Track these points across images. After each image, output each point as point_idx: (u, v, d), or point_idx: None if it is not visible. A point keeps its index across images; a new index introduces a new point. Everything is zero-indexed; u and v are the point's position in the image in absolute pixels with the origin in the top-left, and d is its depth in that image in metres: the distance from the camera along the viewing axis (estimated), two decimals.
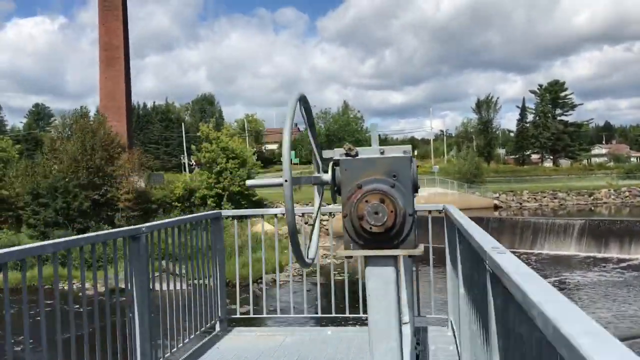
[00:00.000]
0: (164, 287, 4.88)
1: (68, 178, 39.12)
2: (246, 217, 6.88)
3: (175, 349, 4.92)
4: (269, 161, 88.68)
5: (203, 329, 5.50)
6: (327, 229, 47.69)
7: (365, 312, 6.14)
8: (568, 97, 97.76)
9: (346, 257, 2.69)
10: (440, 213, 5.72)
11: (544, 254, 33.32)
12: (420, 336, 5.31)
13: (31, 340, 3.06)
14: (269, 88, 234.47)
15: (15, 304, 3.77)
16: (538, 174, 74.20)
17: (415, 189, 2.58)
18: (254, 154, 49.64)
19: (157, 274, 4.64)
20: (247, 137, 73.38)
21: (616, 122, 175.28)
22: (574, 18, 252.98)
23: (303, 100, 2.69)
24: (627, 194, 51.76)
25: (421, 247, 2.63)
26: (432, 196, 47.99)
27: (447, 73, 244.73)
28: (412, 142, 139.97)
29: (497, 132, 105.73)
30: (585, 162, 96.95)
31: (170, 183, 47.71)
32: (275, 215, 6.64)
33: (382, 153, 2.57)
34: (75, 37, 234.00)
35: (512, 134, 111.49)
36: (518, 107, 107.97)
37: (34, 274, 3.51)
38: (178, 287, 4.98)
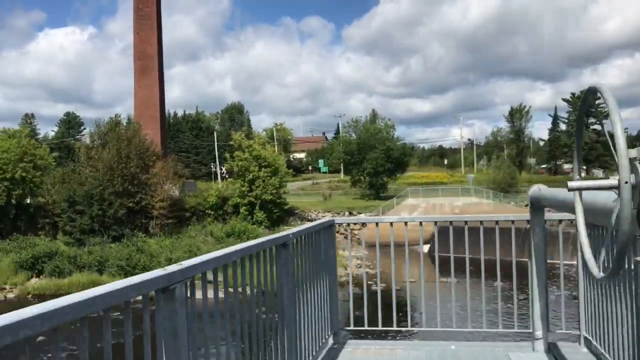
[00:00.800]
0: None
1: (103, 186, 39.39)
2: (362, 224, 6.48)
3: None
4: (297, 170, 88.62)
5: (320, 342, 5.10)
6: (358, 239, 47.33)
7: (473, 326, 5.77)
8: (601, 105, 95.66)
9: None
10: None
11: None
12: (555, 352, 4.91)
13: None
14: (294, 97, 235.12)
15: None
16: None
17: None
18: (286, 162, 49.48)
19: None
20: (275, 146, 73.23)
21: None
22: (603, 25, 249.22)
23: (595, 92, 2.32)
24: None
25: None
26: (467, 206, 47.24)
27: (473, 81, 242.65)
28: (440, 151, 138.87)
29: (529, 142, 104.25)
30: None
31: (204, 191, 47.81)
32: (391, 223, 6.15)
33: None
34: (104, 47, 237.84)
35: (541, 143, 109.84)
36: (550, 115, 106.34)
37: None
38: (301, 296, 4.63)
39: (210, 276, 2.94)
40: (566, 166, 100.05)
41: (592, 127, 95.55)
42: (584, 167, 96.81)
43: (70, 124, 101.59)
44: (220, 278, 3.05)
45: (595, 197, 2.39)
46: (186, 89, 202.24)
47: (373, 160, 54.17)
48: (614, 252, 1.92)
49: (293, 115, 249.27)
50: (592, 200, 2.42)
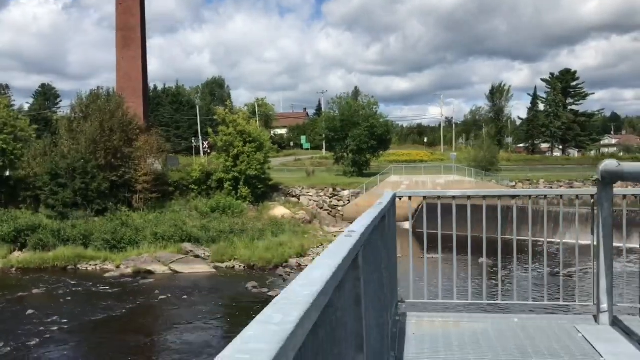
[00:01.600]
0: None
1: (86, 159, 38.89)
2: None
3: None
4: (279, 146, 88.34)
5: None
6: (342, 215, 47.67)
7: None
8: (579, 86, 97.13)
9: None
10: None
11: (569, 243, 33.13)
12: (620, 325, 5.09)
13: None
14: (273, 72, 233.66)
15: None
16: (550, 163, 73.93)
17: None
18: (270, 138, 49.31)
19: None
20: (257, 121, 72.80)
21: (621, 113, 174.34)
22: (581, 7, 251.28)
23: None
24: None
25: None
26: (449, 184, 47.78)
27: (452, 60, 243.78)
28: (419, 129, 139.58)
29: (507, 121, 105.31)
30: (593, 152, 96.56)
31: (187, 166, 47.52)
32: (454, 197, 6.15)
33: None
34: (79, 18, 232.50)
35: (518, 123, 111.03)
36: (530, 94, 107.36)
37: None
38: None
39: None
40: (543, 145, 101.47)
41: (569, 107, 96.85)
42: (560, 147, 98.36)
43: (46, 95, 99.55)
44: None
45: None
46: (163, 62, 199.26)
47: (357, 137, 54.27)
48: None
49: (272, 91, 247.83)
50: None
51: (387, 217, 5.17)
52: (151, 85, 77.90)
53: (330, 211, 47.61)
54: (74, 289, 26.10)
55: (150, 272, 28.80)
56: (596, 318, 5.22)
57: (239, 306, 23.09)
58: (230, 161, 43.96)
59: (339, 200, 48.25)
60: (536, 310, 7.00)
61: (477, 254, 6.26)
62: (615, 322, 5.12)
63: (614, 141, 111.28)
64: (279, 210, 41.51)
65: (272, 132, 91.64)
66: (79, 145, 39.94)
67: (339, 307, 1.73)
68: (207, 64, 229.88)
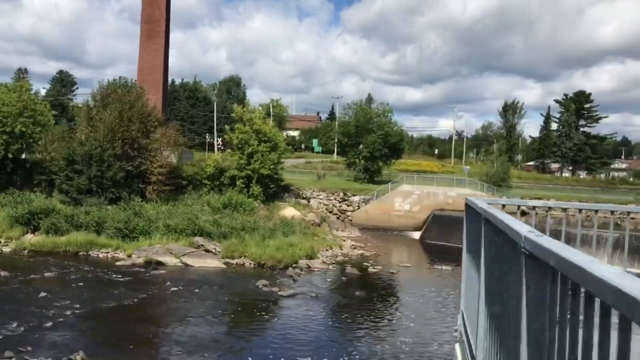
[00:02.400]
0: None
1: (103, 147, 39.23)
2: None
3: None
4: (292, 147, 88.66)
5: None
6: (350, 220, 47.83)
7: None
8: (593, 108, 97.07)
9: None
10: None
11: None
12: None
13: None
14: (288, 74, 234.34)
15: None
16: (560, 183, 73.85)
17: None
18: (284, 139, 49.57)
19: None
20: (271, 122, 73.20)
21: (632, 138, 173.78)
22: (598, 29, 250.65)
23: None
24: None
25: None
26: (460, 197, 47.80)
27: (466, 74, 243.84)
28: (429, 140, 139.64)
29: (519, 138, 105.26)
30: (603, 175, 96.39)
31: (201, 161, 47.81)
32: (534, 207, 6.01)
33: None
34: (100, 7, 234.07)
35: (529, 141, 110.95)
36: (542, 114, 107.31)
37: None
38: None
39: None
40: (553, 165, 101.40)
41: (581, 129, 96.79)
42: (570, 168, 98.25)
43: (63, 82, 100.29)
44: None
45: None
46: (181, 57, 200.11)
47: (370, 144, 54.47)
48: None
49: (285, 93, 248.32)
50: None
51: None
52: (169, 79, 78.44)
53: (339, 215, 47.82)
54: (86, 275, 26.37)
55: (161, 263, 29.06)
56: None
57: (249, 304, 23.28)
58: (244, 159, 44.26)
59: (348, 205, 48.45)
60: None
61: None
62: None
63: (624, 165, 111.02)
64: (289, 211, 41.73)
65: (284, 134, 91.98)
66: (97, 133, 40.29)
67: None
68: (224, 61, 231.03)
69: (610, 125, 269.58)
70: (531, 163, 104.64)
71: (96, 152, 38.75)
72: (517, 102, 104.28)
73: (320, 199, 48.31)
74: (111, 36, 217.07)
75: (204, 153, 66.80)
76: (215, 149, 64.83)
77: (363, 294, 25.50)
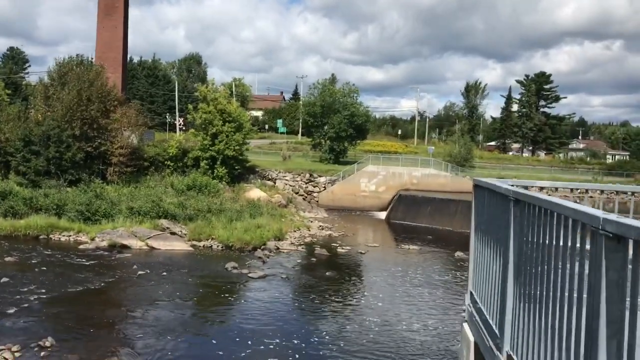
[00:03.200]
0: None
1: (62, 127, 37.90)
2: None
3: None
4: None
5: None
6: (317, 201, 47.67)
7: None
8: (552, 89, 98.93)
9: None
10: None
11: None
12: None
13: None
14: (248, 53, 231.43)
15: None
16: (521, 163, 75.23)
17: None
18: (249, 120, 48.87)
19: None
20: (234, 101, 72.20)
21: (588, 119, 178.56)
22: (558, 11, 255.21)
23: None
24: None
25: None
26: (424, 177, 48.23)
27: (427, 55, 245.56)
28: (392, 121, 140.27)
29: (480, 119, 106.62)
30: (562, 155, 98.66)
31: (163, 141, 46.75)
32: (541, 188, 5.98)
33: None
34: None
35: (489, 122, 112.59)
36: (503, 96, 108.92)
37: None
38: None
39: None
40: (514, 145, 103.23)
41: (541, 109, 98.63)
42: (530, 148, 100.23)
43: (15, 59, 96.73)
44: None
45: None
46: (138, 35, 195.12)
47: (336, 124, 54.21)
48: None
49: (246, 72, 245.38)
50: None
51: None
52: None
53: (306, 197, 47.60)
54: (48, 259, 25.48)
55: (126, 247, 28.31)
56: None
57: (218, 286, 22.89)
58: (208, 140, 43.48)
59: (314, 187, 48.24)
60: None
61: None
62: None
63: (581, 146, 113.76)
64: (255, 193, 41.25)
65: (249, 114, 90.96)
66: (54, 112, 38.89)
67: None
68: (182, 39, 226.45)
69: (567, 105, 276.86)
70: (492, 143, 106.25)
71: (54, 132, 37.42)
72: (480, 83, 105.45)
73: (287, 180, 47.95)
74: (64, 11, 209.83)
75: (165, 133, 65.50)
76: (177, 129, 63.51)
77: (333, 275, 25.40)
